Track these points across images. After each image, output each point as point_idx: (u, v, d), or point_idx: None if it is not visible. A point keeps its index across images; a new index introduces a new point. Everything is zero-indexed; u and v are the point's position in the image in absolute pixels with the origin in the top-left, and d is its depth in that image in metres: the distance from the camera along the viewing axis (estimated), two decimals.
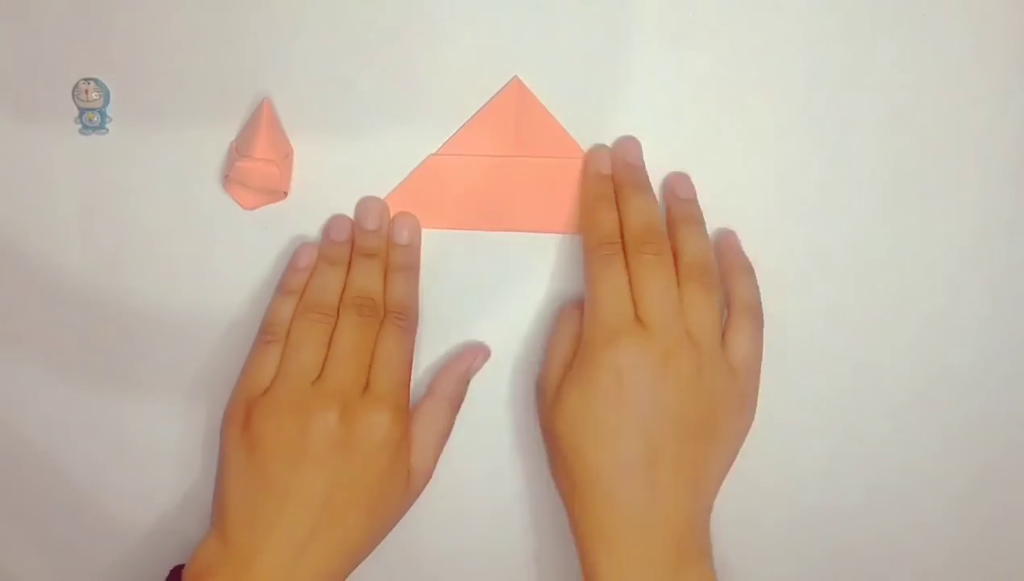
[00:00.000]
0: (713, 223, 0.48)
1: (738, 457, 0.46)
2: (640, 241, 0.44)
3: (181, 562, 0.45)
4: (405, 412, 0.45)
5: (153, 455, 0.50)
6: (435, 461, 0.47)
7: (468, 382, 0.49)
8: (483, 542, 0.51)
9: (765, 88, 0.48)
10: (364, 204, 0.48)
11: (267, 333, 0.46)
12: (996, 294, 0.49)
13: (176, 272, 0.49)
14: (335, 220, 0.48)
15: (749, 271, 0.47)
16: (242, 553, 0.43)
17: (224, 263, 0.49)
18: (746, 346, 0.45)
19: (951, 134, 0.48)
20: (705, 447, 0.43)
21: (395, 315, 0.46)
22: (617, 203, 0.46)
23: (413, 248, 0.48)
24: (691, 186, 0.47)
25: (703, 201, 0.48)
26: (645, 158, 0.48)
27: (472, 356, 0.48)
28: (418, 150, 0.48)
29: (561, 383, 0.44)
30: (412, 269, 0.48)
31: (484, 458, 0.50)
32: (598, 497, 0.43)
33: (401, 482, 0.45)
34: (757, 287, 0.47)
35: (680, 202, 0.47)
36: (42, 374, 0.50)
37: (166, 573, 0.45)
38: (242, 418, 0.44)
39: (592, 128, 0.48)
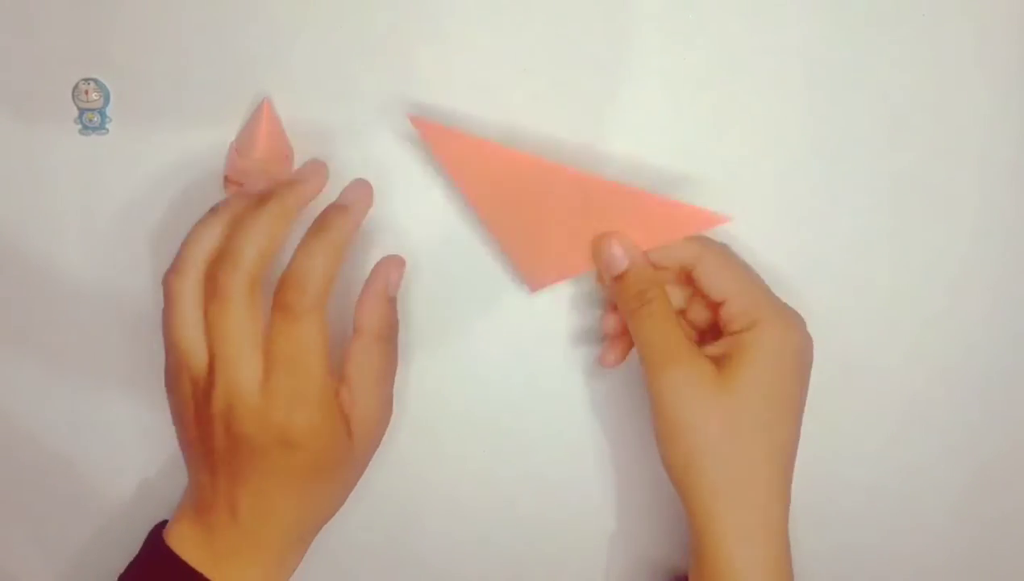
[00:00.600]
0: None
1: None
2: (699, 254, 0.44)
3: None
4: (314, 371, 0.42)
5: (153, 455, 0.50)
6: (381, 401, 0.45)
7: (392, 303, 0.45)
8: (484, 542, 0.51)
9: (765, 88, 0.48)
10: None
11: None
12: (996, 294, 0.49)
13: None
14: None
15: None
16: (200, 501, 0.44)
17: None
18: None
19: (951, 134, 0.48)
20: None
21: (288, 292, 0.42)
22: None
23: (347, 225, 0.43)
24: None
25: (703, 201, 0.48)
26: (645, 159, 0.48)
27: (386, 271, 0.45)
28: (418, 150, 0.48)
29: (730, 364, 0.43)
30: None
31: (484, 458, 0.50)
32: (753, 479, 0.43)
33: (339, 442, 0.43)
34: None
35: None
36: (42, 374, 0.50)
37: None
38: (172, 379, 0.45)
39: (592, 128, 0.48)
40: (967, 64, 0.47)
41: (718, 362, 0.43)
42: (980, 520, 0.51)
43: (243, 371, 0.41)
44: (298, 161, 0.48)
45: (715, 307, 0.45)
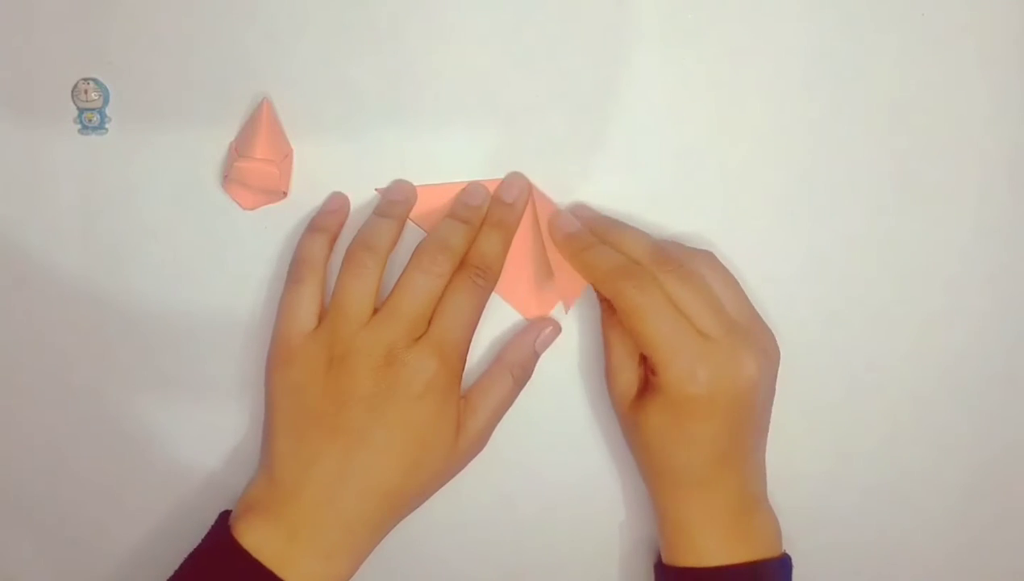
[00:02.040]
0: (713, 224, 0.48)
1: None
2: (658, 261, 0.44)
3: (175, 560, 0.45)
4: (455, 363, 0.44)
5: (152, 454, 0.50)
6: (488, 427, 0.47)
7: (536, 355, 0.48)
8: (483, 542, 0.51)
9: (765, 89, 0.48)
10: (475, 187, 0.48)
11: (298, 272, 0.46)
12: (996, 295, 0.49)
13: (176, 272, 0.49)
14: (399, 185, 0.48)
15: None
16: (286, 488, 0.44)
17: (224, 263, 0.49)
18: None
19: (951, 134, 0.48)
20: (767, 421, 0.46)
21: (473, 269, 0.45)
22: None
23: (515, 209, 0.47)
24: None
25: (703, 201, 0.48)
26: (645, 159, 0.48)
27: (540, 328, 0.48)
28: (417, 150, 0.48)
29: (642, 403, 0.45)
30: (506, 229, 0.47)
31: (485, 458, 0.50)
32: (682, 486, 0.45)
33: (446, 435, 0.45)
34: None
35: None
36: (40, 374, 0.50)
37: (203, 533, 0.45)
38: (285, 360, 0.45)
39: (591, 128, 0.48)
40: (966, 64, 0.47)
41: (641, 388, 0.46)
42: (979, 520, 0.51)
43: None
44: (298, 161, 0.48)
45: None
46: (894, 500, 0.51)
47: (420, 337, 0.44)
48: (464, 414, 0.46)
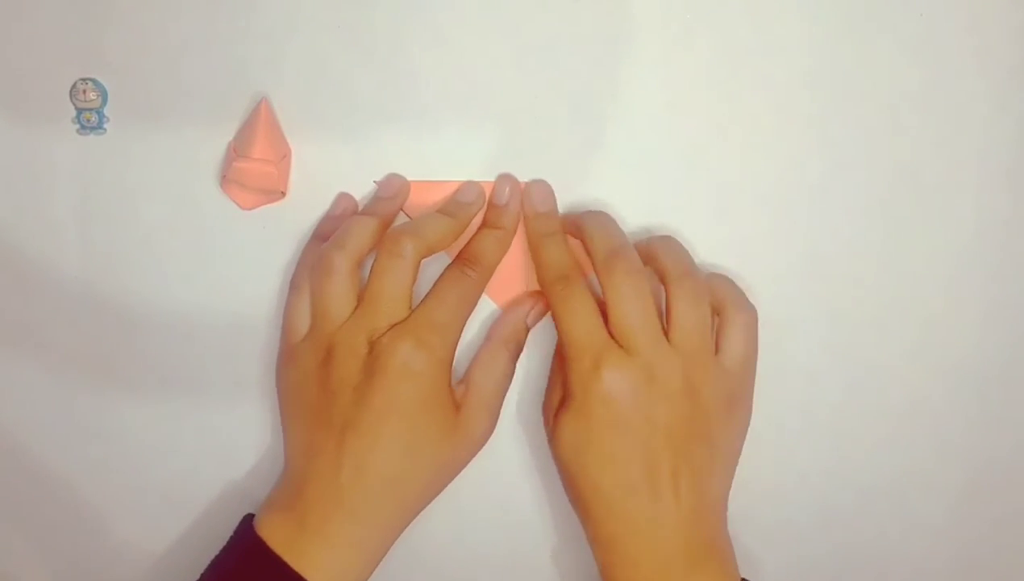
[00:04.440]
0: (712, 224, 0.48)
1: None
2: (608, 261, 0.44)
3: (174, 561, 0.45)
4: (435, 345, 0.44)
5: (152, 455, 0.50)
6: (494, 404, 0.47)
7: (527, 329, 0.48)
8: (484, 542, 0.51)
9: (764, 89, 0.47)
10: (469, 185, 0.48)
11: (297, 278, 0.47)
12: (995, 295, 0.49)
13: (174, 272, 0.49)
14: (391, 179, 0.48)
15: (722, 276, 0.47)
16: (295, 482, 0.45)
17: (222, 263, 0.49)
18: (739, 345, 0.45)
19: (950, 134, 0.48)
20: (704, 451, 0.44)
21: (462, 261, 0.46)
22: (572, 232, 0.47)
23: (509, 209, 0.47)
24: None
25: (701, 201, 0.48)
26: (645, 160, 0.48)
27: (531, 303, 0.48)
28: (416, 150, 0.48)
29: (558, 414, 0.45)
30: (502, 229, 0.47)
31: (485, 458, 0.50)
32: (605, 513, 0.44)
33: (439, 418, 0.45)
34: (735, 284, 0.47)
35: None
36: (40, 374, 0.50)
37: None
38: (286, 363, 0.46)
39: (590, 128, 0.48)
40: (965, 64, 0.47)
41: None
42: (978, 520, 0.51)
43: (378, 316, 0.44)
44: (296, 161, 0.48)
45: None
46: (893, 500, 0.50)
47: (399, 322, 0.44)
48: (466, 395, 0.46)
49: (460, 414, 0.45)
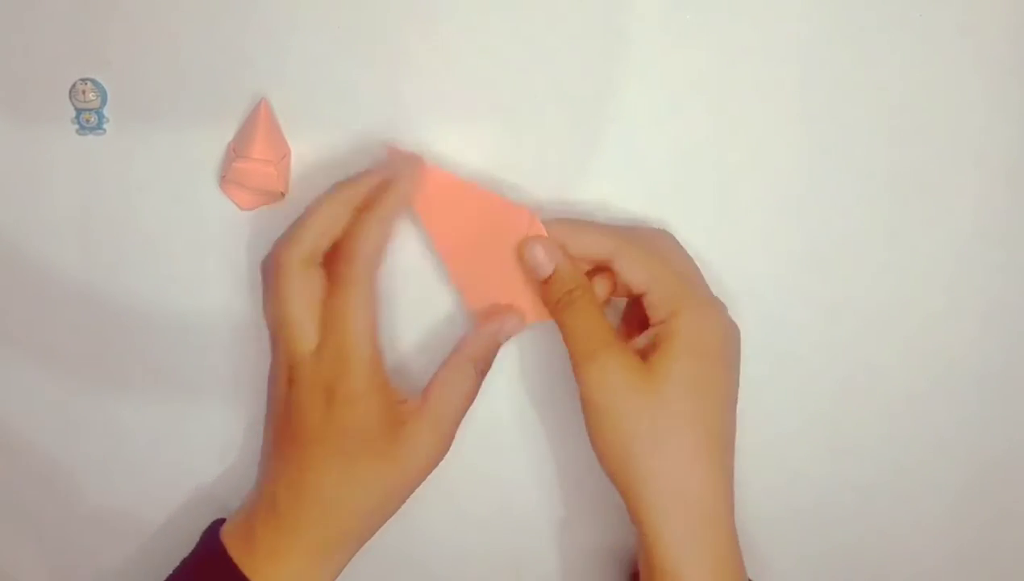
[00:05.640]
0: (712, 223, 0.48)
1: (736, 457, 0.46)
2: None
3: (174, 560, 0.45)
4: (341, 366, 0.42)
5: (151, 455, 0.50)
6: (448, 424, 0.45)
7: (498, 346, 0.46)
8: (483, 542, 0.51)
9: (763, 88, 0.48)
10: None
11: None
12: (994, 294, 0.49)
13: (173, 273, 0.49)
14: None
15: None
16: (254, 489, 0.45)
17: (222, 264, 0.49)
18: None
19: (949, 134, 0.48)
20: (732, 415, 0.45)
21: (339, 260, 0.43)
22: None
23: (396, 191, 0.44)
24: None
25: (701, 203, 0.48)
26: (644, 159, 0.48)
27: (503, 319, 0.46)
28: (416, 150, 0.48)
29: (659, 355, 0.43)
30: (380, 210, 0.44)
31: (484, 458, 0.50)
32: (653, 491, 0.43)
33: (370, 440, 0.43)
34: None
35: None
36: (40, 374, 0.50)
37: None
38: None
39: (590, 127, 0.48)
40: (964, 64, 0.47)
41: (644, 354, 0.43)
42: (977, 520, 0.51)
43: (305, 342, 0.43)
44: (296, 161, 0.48)
45: (640, 300, 0.45)
46: (892, 500, 0.51)
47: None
48: (419, 411, 0.44)
49: (404, 431, 0.44)
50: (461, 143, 0.48)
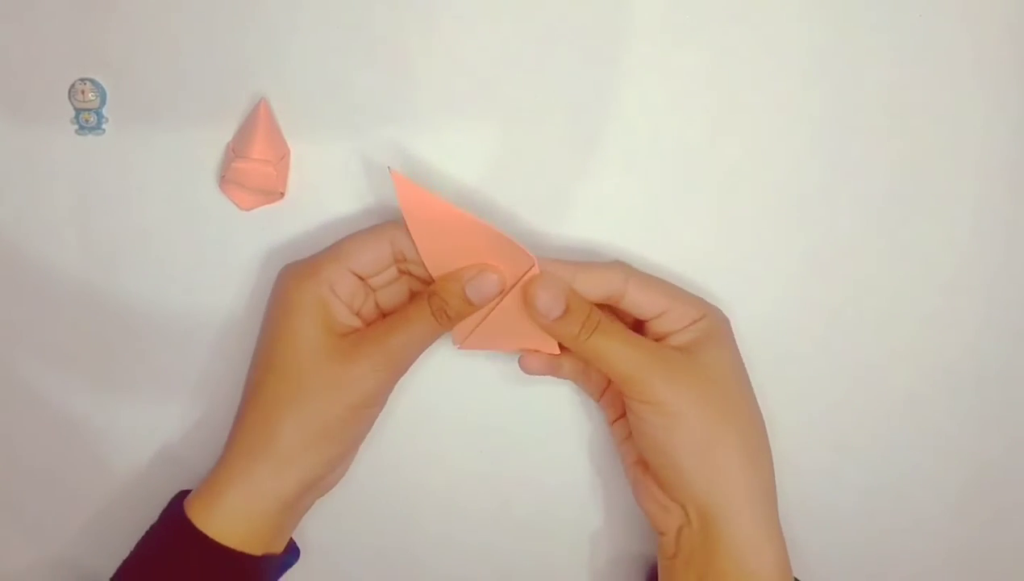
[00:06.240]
0: (711, 224, 0.48)
1: None
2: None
3: None
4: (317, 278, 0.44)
5: (151, 455, 0.50)
6: (394, 363, 0.44)
7: (465, 298, 0.44)
8: (484, 543, 0.51)
9: (762, 89, 0.48)
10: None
11: None
12: (994, 295, 0.49)
13: (173, 273, 0.49)
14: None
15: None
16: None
17: (221, 264, 0.49)
18: None
19: (949, 135, 0.48)
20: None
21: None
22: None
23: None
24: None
25: (700, 202, 0.48)
26: (644, 160, 0.48)
27: (475, 272, 0.44)
28: (415, 150, 0.48)
29: (700, 346, 0.44)
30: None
31: (485, 458, 0.50)
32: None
33: (305, 334, 0.44)
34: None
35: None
36: (39, 374, 0.50)
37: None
38: None
39: (589, 129, 0.48)
40: (964, 65, 0.47)
41: (684, 351, 0.44)
42: (977, 519, 0.51)
43: None
44: (295, 162, 0.48)
45: (641, 323, 0.46)
46: (893, 500, 0.51)
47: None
48: (366, 336, 0.44)
49: (348, 363, 0.44)
50: (461, 145, 0.48)
